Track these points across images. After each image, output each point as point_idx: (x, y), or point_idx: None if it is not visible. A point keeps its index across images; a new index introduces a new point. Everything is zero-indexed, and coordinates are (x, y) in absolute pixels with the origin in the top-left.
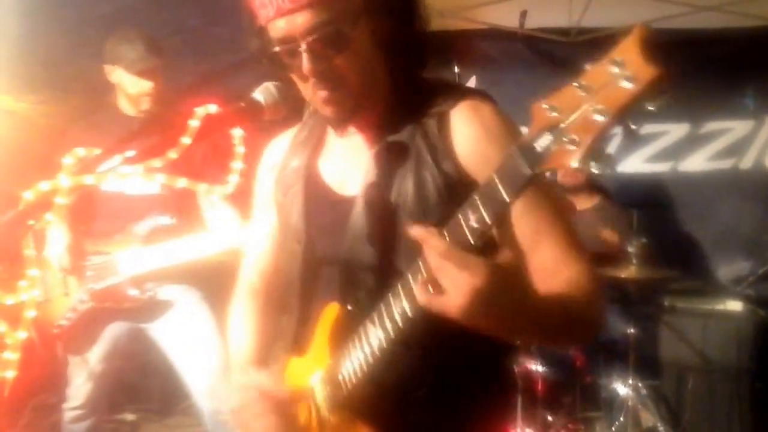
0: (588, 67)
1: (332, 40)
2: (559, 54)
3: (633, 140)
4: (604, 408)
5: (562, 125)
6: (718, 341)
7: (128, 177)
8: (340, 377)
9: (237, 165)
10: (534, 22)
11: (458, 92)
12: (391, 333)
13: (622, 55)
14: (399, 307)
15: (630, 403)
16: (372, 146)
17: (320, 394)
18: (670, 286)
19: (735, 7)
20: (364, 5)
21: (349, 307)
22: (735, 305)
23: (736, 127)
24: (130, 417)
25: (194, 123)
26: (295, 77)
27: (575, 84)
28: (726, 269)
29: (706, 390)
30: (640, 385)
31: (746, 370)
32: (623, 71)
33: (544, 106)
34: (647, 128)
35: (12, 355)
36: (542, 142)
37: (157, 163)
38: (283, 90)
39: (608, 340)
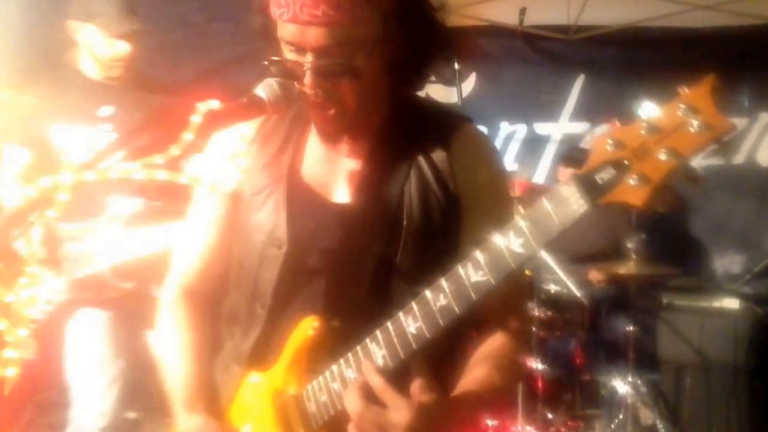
0: (653, 106)
1: (341, 68)
2: (558, 51)
3: (694, 184)
4: (603, 405)
5: (627, 162)
6: (716, 338)
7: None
8: (325, 397)
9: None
10: (533, 19)
11: (452, 115)
12: (402, 353)
13: (694, 102)
14: (414, 326)
15: (629, 401)
16: (366, 155)
17: (295, 415)
18: (668, 284)
19: (730, 5)
20: (382, 34)
21: (335, 323)
22: (732, 303)
23: None
24: (131, 415)
25: (196, 119)
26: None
27: (642, 123)
28: (719, 264)
29: (704, 387)
30: (639, 382)
31: (743, 367)
32: (696, 118)
33: (608, 140)
34: None
35: (13, 353)
36: (604, 176)
37: (159, 159)
38: (285, 86)
39: (607, 338)
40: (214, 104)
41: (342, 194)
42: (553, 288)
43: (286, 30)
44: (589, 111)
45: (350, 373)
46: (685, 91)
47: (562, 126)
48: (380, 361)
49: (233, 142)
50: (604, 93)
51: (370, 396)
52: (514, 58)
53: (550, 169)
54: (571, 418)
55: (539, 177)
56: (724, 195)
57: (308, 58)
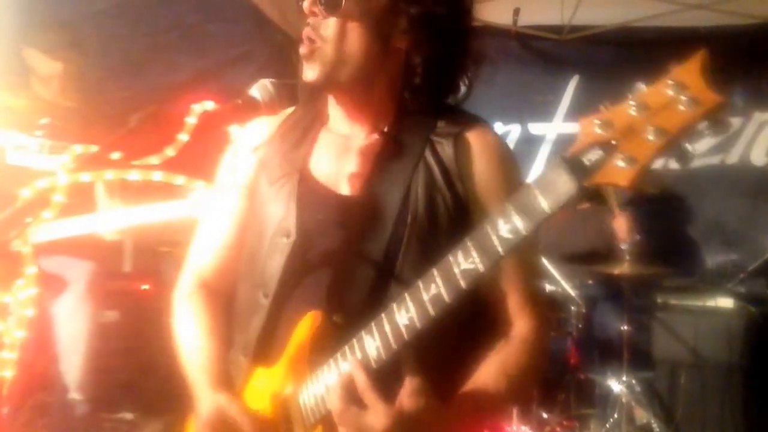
0: (643, 86)
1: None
2: (551, 51)
3: (687, 161)
4: (598, 405)
5: (614, 142)
6: (710, 337)
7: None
8: (321, 392)
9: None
10: (526, 19)
11: (466, 116)
12: (394, 345)
13: (682, 78)
14: (406, 317)
15: (624, 400)
16: (374, 149)
17: (297, 409)
18: (663, 283)
19: (725, 5)
20: (414, 19)
21: (337, 319)
22: (726, 302)
23: None
24: (128, 416)
25: (191, 120)
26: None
27: (630, 102)
28: (713, 263)
29: (698, 386)
30: (633, 381)
31: (737, 366)
32: (684, 94)
33: (595, 121)
34: None
35: (10, 355)
36: (591, 157)
37: (154, 159)
38: (280, 87)
39: (602, 337)
40: (209, 105)
41: (349, 188)
42: (547, 287)
43: None
44: (584, 111)
45: (346, 367)
46: (673, 67)
47: (556, 126)
48: (374, 353)
49: (256, 136)
50: (598, 93)
51: (351, 395)
52: (508, 58)
53: (545, 167)
54: (566, 418)
55: (533, 177)
56: (718, 194)
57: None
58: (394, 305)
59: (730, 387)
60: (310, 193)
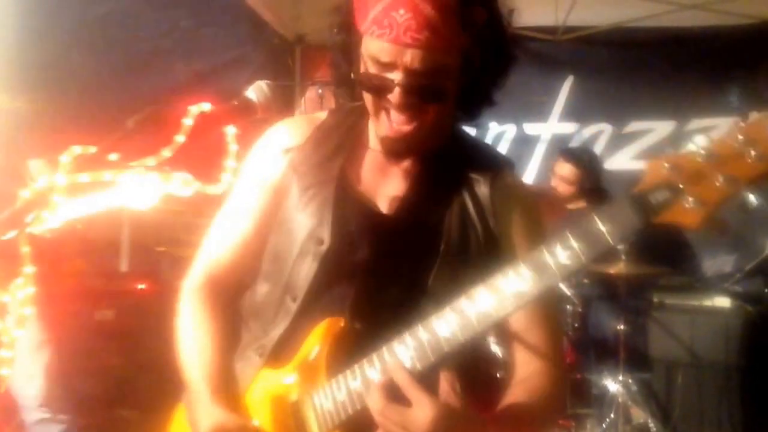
0: (714, 137)
1: (431, 91)
2: (546, 52)
3: (747, 211)
4: (595, 404)
5: (682, 186)
6: (707, 337)
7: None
8: (343, 397)
9: (230, 163)
10: (521, 20)
11: (503, 158)
12: (432, 356)
13: (752, 134)
14: (447, 330)
15: (620, 399)
16: (416, 175)
17: (309, 413)
18: (659, 283)
19: (719, 5)
20: (462, 61)
21: (357, 326)
22: (723, 301)
23: (720, 125)
24: (125, 414)
25: (188, 121)
26: (366, 92)
27: (700, 150)
28: (710, 263)
29: (695, 385)
30: (630, 381)
31: (734, 366)
32: (755, 148)
33: (664, 164)
34: (634, 126)
35: (8, 353)
36: (657, 196)
37: (150, 161)
38: (276, 88)
39: (598, 337)
40: (206, 106)
41: (387, 207)
42: None
43: (382, 48)
44: (578, 111)
45: (373, 374)
46: (742, 123)
47: (551, 126)
48: (408, 363)
49: (287, 138)
50: (592, 93)
51: (393, 395)
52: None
53: (540, 169)
54: (563, 417)
55: (529, 177)
56: None
57: (398, 76)
58: (433, 318)
59: (727, 386)
60: (346, 205)
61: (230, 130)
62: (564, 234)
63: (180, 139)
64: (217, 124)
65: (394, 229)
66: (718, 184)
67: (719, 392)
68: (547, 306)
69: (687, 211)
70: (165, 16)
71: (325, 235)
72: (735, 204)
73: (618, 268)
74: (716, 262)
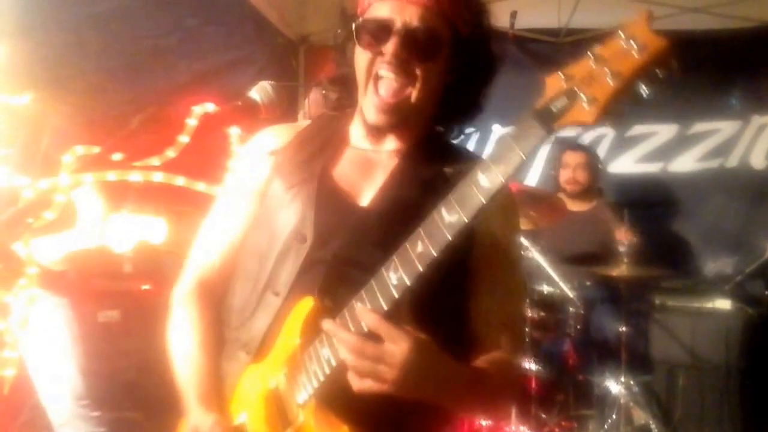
0: (599, 45)
1: (425, 48)
2: (548, 54)
3: (640, 102)
4: (596, 406)
5: (576, 89)
6: (708, 339)
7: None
8: (315, 366)
9: (233, 164)
10: (524, 22)
11: (472, 155)
12: (385, 305)
13: (631, 31)
14: (395, 277)
15: (622, 401)
16: (395, 169)
17: (290, 391)
18: (661, 285)
19: (721, 8)
20: (456, 48)
21: (328, 303)
22: (724, 303)
23: (723, 128)
24: (130, 415)
25: (192, 122)
26: (362, 50)
27: (589, 56)
28: (712, 266)
29: (696, 387)
30: (632, 382)
31: (735, 368)
32: (633, 43)
33: (561, 75)
34: (637, 130)
35: (12, 354)
36: (558, 104)
37: (155, 161)
38: (279, 89)
39: (600, 339)
40: (210, 107)
41: (367, 200)
42: (545, 289)
43: (383, 4)
44: None
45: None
46: (623, 26)
47: None
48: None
49: (271, 141)
50: None
51: (363, 335)
52: (504, 61)
53: (543, 171)
54: (565, 419)
55: (531, 179)
56: (717, 197)
57: (397, 25)
58: (383, 268)
59: (728, 388)
60: (328, 201)
61: (234, 131)
62: (482, 160)
63: (184, 139)
64: (220, 124)
65: (372, 222)
66: (607, 80)
67: (720, 394)
68: (512, 283)
69: (584, 111)
70: (168, 14)
71: (308, 232)
72: (628, 96)
73: (620, 270)
74: (717, 265)
